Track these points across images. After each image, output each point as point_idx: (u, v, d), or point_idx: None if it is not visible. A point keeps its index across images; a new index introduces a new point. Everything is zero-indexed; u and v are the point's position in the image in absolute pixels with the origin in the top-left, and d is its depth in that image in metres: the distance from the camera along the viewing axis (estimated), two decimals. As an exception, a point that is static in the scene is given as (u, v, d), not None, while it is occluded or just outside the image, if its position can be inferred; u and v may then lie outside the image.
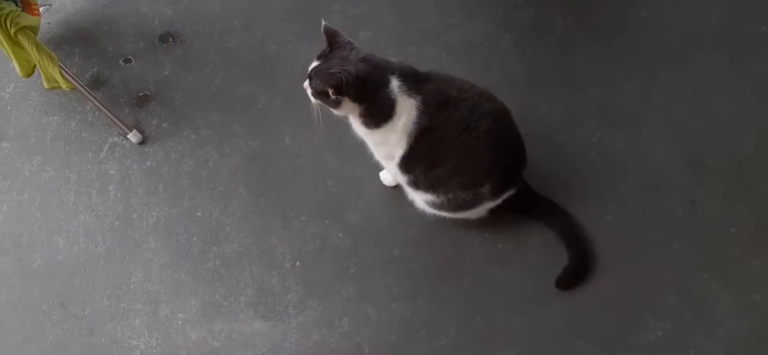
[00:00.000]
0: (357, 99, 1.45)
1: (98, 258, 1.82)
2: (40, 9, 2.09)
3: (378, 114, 1.48)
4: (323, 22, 1.48)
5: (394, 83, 1.45)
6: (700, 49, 2.02)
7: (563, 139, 1.88)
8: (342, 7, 2.21)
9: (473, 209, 1.64)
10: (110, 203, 1.91)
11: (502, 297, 1.67)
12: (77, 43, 2.24)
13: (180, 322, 1.72)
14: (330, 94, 1.43)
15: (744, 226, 1.70)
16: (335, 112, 1.50)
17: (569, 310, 1.63)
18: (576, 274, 1.65)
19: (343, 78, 1.39)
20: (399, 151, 1.53)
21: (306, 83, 1.49)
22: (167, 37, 2.22)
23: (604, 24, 2.13)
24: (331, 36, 1.48)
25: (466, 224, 1.73)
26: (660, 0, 2.15)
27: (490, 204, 1.65)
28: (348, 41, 1.48)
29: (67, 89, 1.94)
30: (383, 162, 1.66)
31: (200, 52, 2.18)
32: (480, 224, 1.73)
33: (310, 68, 1.49)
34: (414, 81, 1.47)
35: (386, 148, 1.56)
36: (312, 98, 1.50)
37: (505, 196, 1.64)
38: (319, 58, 1.49)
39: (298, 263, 1.77)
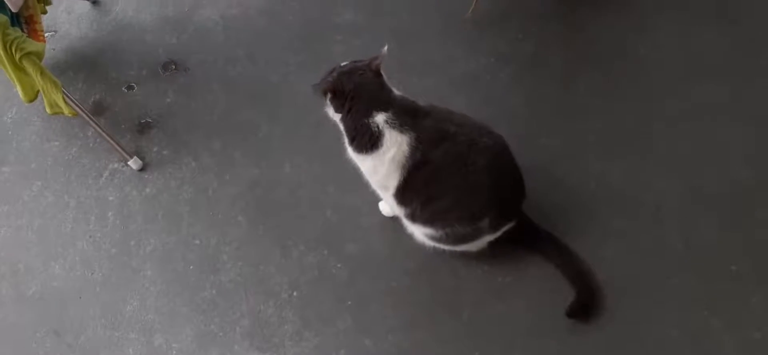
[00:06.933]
0: (335, 108, 1.54)
1: (94, 285, 1.81)
2: (46, 35, 2.11)
3: (359, 138, 1.52)
4: (386, 47, 1.54)
5: (380, 117, 1.49)
6: (700, 79, 2.03)
7: (563, 170, 1.88)
8: (344, 38, 2.23)
9: (472, 242, 1.64)
10: (108, 229, 1.90)
11: (501, 331, 1.65)
12: (81, 69, 2.25)
13: (174, 352, 1.69)
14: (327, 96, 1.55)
15: (744, 261, 1.69)
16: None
17: (568, 344, 1.61)
18: (585, 308, 1.63)
19: (330, 86, 1.52)
20: (393, 182, 1.55)
21: None
22: (170, 65, 2.24)
23: (604, 56, 2.14)
24: (375, 64, 1.53)
25: (465, 256, 1.72)
26: (659, 31, 2.17)
27: (490, 237, 1.64)
28: (376, 71, 1.53)
29: (70, 115, 1.95)
30: (379, 192, 1.66)
31: (203, 81, 2.19)
32: (479, 256, 1.72)
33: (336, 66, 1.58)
34: (410, 116, 1.50)
35: (377, 177, 1.58)
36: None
37: (504, 229, 1.64)
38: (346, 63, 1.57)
39: (295, 294, 1.75)
